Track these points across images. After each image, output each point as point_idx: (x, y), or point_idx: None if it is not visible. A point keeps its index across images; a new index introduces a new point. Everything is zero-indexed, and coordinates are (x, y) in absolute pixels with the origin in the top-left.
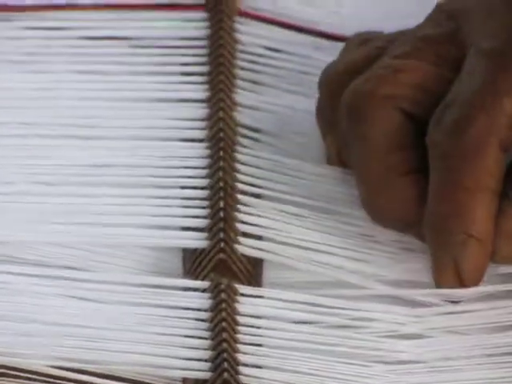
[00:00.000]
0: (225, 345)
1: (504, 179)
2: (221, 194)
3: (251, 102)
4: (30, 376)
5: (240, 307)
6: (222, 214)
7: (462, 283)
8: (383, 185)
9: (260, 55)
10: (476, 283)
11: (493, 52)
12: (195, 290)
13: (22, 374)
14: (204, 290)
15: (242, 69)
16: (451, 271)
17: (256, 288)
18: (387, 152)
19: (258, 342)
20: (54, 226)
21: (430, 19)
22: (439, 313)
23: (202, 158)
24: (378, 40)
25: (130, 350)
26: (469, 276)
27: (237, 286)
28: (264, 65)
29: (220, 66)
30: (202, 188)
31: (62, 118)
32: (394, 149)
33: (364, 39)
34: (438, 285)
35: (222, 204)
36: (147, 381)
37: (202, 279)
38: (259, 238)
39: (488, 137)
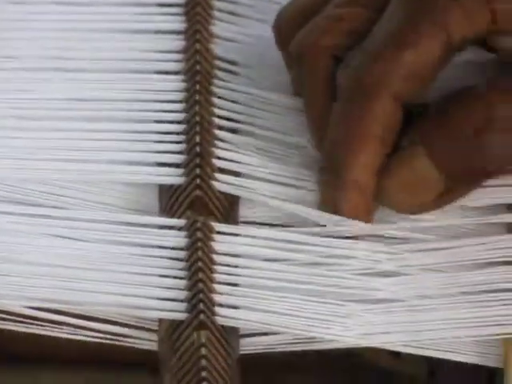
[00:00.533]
0: (201, 285)
1: (412, 126)
2: (197, 129)
3: (228, 34)
4: (3, 316)
5: (216, 245)
6: (198, 149)
7: None
8: (319, 125)
9: None
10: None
11: (409, 2)
12: (171, 228)
13: None
14: (180, 228)
15: None
16: (331, 208)
17: (232, 226)
18: (323, 95)
19: (235, 282)
20: (26, 161)
21: None
22: (415, 250)
23: (178, 91)
24: None
25: (105, 290)
26: (346, 216)
27: (213, 223)
28: None
29: None
30: (178, 122)
31: (37, 49)
32: (329, 92)
33: None
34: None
35: (198, 139)
36: (123, 321)
37: (178, 217)
38: (236, 174)
39: (381, 86)
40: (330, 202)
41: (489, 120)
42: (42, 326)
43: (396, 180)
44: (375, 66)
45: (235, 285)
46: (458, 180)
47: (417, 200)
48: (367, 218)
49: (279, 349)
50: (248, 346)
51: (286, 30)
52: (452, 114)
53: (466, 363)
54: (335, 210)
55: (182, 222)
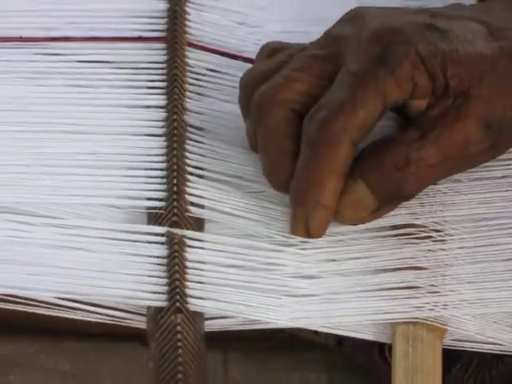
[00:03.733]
0: (177, 282)
1: (353, 163)
2: (174, 174)
3: (197, 108)
4: (37, 304)
5: (188, 255)
6: (175, 188)
7: (308, 235)
8: (278, 163)
9: (203, 74)
10: (319, 236)
11: (356, 73)
12: (156, 242)
13: (31, 302)
14: (162, 243)
15: (191, 84)
16: (302, 226)
17: (199, 242)
18: (281, 139)
19: (201, 281)
20: (50, 196)
21: (318, 42)
22: (330, 259)
23: (161, 148)
24: (283, 53)
25: (111, 286)
26: (314, 231)
27: (185, 240)
28: (206, 81)
29: (174, 82)
30: (161, 169)
31: (58, 118)
32: (286, 137)
33: (273, 49)
34: (292, 233)
35: (175, 181)
36: (123, 308)
37: (161, 235)
38: (201, 206)
39: (342, 135)
40: (300, 222)
41: (406, 161)
42: (64, 310)
43: (345, 203)
44: (338, 119)
45: (202, 283)
46: (386, 202)
47: (358, 215)
48: (324, 232)
49: (233, 328)
50: (211, 325)
51: (248, 87)
52: (380, 156)
53: None
54: (306, 228)
55: (163, 238)
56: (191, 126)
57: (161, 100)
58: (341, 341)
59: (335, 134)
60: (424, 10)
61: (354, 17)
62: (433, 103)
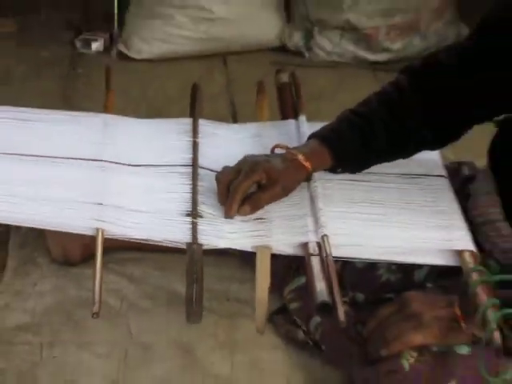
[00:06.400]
0: (195, 235)
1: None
2: (193, 201)
3: (205, 190)
4: (145, 241)
5: (198, 227)
6: (193, 205)
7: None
8: (223, 197)
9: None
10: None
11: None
12: (186, 223)
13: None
14: (190, 223)
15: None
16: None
17: (202, 218)
18: (223, 194)
19: (203, 234)
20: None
21: (238, 165)
22: (244, 221)
23: (188, 202)
24: (236, 170)
25: (176, 236)
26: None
27: (197, 222)
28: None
29: (195, 180)
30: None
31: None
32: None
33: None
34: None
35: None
36: (179, 242)
37: (189, 221)
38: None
39: (239, 189)
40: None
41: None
42: (145, 242)
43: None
44: (238, 185)
45: (203, 235)
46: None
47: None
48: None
49: (214, 248)
50: (207, 247)
51: (221, 179)
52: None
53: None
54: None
55: (190, 221)
56: (203, 204)
57: (187, 188)
58: (243, 257)
59: (237, 188)
60: (266, 159)
61: (244, 157)
62: (262, 185)
